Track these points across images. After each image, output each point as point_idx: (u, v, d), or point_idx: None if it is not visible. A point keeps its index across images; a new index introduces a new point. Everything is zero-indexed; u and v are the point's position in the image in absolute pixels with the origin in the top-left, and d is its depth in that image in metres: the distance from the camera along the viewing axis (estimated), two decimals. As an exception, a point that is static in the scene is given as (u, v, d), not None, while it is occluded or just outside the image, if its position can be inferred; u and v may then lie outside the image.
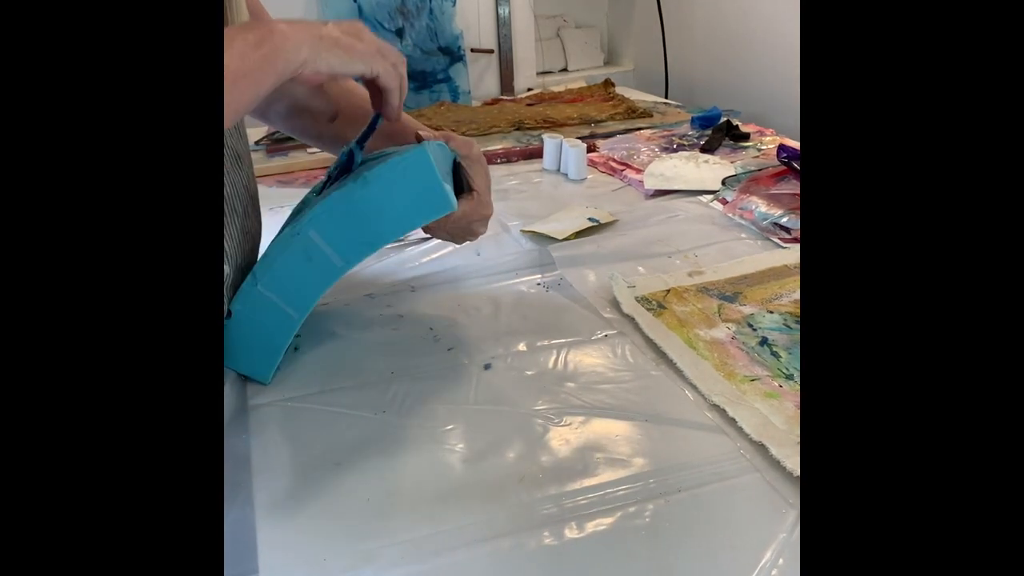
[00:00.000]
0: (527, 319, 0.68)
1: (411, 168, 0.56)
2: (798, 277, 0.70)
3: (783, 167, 0.95)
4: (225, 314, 0.57)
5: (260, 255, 0.61)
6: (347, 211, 0.56)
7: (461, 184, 0.65)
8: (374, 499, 0.47)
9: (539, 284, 0.74)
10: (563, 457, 0.50)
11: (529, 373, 0.60)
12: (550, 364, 0.61)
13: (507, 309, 0.70)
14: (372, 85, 0.57)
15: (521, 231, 0.85)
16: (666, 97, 1.56)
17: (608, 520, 0.45)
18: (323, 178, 0.67)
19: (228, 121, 0.50)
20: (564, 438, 0.52)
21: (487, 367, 0.60)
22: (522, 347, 0.63)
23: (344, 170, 0.63)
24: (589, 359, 0.61)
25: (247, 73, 0.46)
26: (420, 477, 0.49)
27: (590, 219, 0.86)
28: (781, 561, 0.41)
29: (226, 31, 0.46)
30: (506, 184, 1.04)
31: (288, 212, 0.69)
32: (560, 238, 0.82)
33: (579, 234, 0.84)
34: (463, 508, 0.46)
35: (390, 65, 0.56)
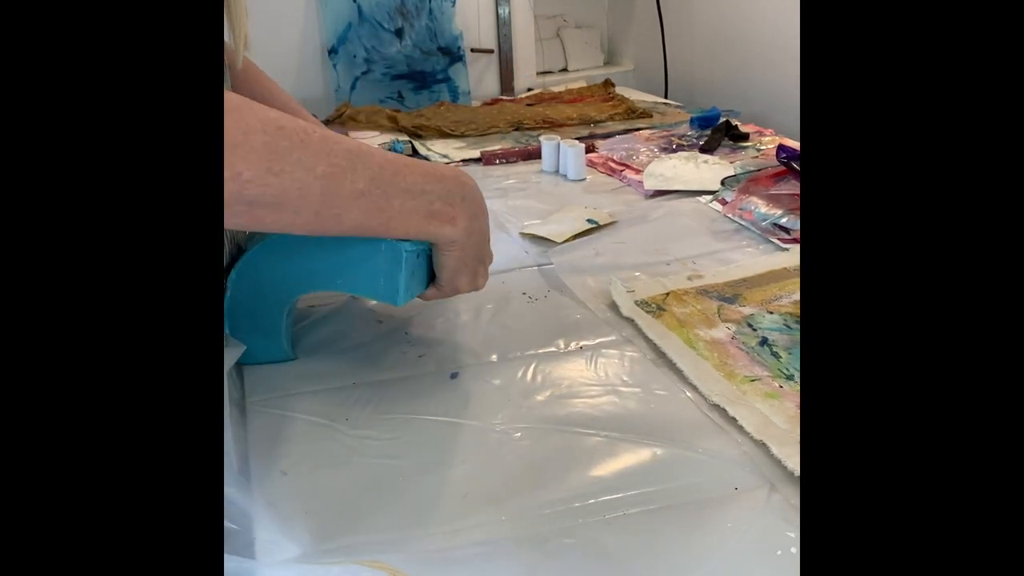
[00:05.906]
0: (506, 328, 0.66)
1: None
2: (798, 279, 0.70)
3: (782, 167, 0.95)
4: None
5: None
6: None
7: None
8: (312, 511, 0.46)
9: (524, 294, 0.72)
10: (521, 469, 0.49)
11: (496, 383, 0.58)
12: (519, 375, 0.59)
13: (488, 316, 0.68)
14: None
15: (520, 233, 0.85)
16: (666, 97, 1.55)
17: (582, 526, 0.44)
18: None
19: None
20: (520, 452, 0.50)
21: (453, 376, 0.59)
22: (493, 357, 0.62)
23: None
24: (561, 370, 0.59)
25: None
26: (362, 488, 0.48)
27: (589, 220, 0.86)
28: (781, 561, 0.41)
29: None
30: (505, 184, 1.04)
31: None
32: (558, 241, 0.82)
33: (577, 236, 0.84)
34: (401, 520, 0.45)
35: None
